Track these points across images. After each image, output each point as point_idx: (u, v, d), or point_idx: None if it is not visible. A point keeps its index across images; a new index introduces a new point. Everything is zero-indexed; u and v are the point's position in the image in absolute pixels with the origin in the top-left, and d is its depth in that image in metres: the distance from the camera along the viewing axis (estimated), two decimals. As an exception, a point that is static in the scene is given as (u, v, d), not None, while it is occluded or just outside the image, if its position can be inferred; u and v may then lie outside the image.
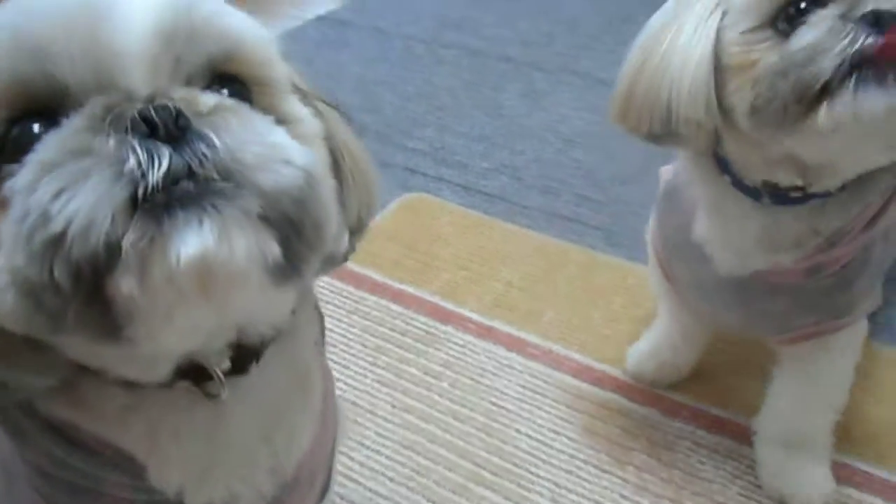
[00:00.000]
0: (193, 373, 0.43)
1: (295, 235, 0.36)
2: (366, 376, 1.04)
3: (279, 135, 0.38)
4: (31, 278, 0.32)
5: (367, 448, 0.94)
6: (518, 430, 0.96)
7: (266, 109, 0.41)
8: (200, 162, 0.33)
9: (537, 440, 0.95)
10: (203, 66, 0.39)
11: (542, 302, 1.18)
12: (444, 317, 1.14)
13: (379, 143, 1.62)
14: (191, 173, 0.33)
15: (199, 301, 0.34)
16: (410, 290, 1.19)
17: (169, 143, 0.34)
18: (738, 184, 0.73)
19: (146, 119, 0.34)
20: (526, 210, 1.42)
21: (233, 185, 0.34)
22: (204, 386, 0.44)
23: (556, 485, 0.90)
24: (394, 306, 1.16)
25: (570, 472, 0.91)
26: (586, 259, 1.27)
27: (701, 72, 0.66)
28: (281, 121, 0.41)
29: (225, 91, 0.40)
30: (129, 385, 0.42)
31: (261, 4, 2.27)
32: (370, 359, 1.06)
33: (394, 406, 1.00)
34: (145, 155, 0.33)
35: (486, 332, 1.11)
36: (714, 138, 0.70)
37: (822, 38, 0.59)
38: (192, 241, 0.32)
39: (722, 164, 0.74)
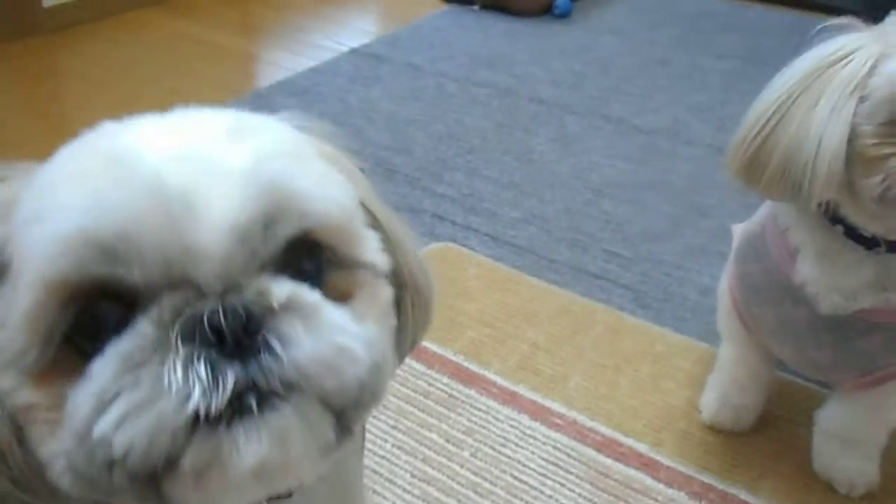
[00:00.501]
0: None
1: (353, 411, 0.38)
2: (386, 440, 1.02)
3: (347, 332, 0.37)
4: (90, 476, 0.34)
5: (385, 519, 0.92)
6: (540, 510, 0.94)
7: (338, 263, 0.41)
8: (265, 377, 0.34)
9: (559, 521, 0.93)
10: (279, 250, 0.38)
11: (567, 366, 1.16)
12: (468, 379, 1.12)
13: (408, 186, 1.62)
14: (255, 385, 0.34)
15: (252, 491, 0.36)
16: (434, 347, 1.17)
17: (236, 354, 0.34)
18: (852, 234, 0.78)
19: (215, 329, 0.34)
20: (553, 264, 1.40)
21: (296, 395, 0.35)
22: None
23: (578, 571, 0.87)
24: (417, 365, 1.14)
25: (592, 558, 0.89)
26: (613, 321, 1.25)
27: (837, 160, 0.71)
28: (350, 277, 0.41)
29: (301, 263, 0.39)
30: None
31: (295, 36, 2.29)
32: (391, 422, 1.05)
33: (413, 475, 0.98)
34: (211, 380, 0.33)
35: (509, 398, 1.09)
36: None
37: None
38: (252, 451, 0.33)
39: (834, 217, 0.79)
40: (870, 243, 0.78)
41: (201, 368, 0.33)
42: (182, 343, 0.34)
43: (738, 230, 1.01)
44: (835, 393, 0.98)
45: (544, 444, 1.03)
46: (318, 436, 0.36)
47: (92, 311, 0.36)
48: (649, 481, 0.98)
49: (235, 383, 0.33)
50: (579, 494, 0.96)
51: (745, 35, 2.47)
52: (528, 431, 1.05)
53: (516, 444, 1.03)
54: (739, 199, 1.28)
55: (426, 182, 1.64)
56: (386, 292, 0.44)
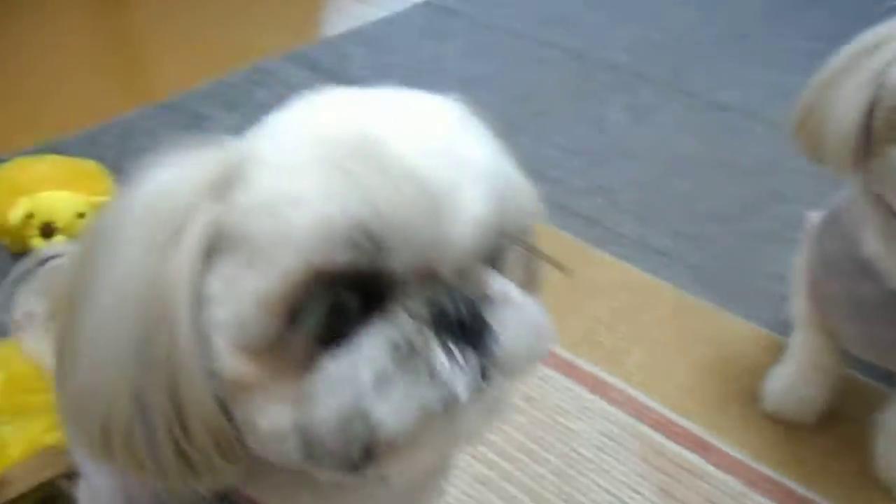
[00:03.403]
0: None
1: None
2: (444, 399, 1.03)
3: (539, 319, 0.43)
4: (323, 450, 0.37)
5: (440, 475, 0.94)
6: (595, 482, 0.95)
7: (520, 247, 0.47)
8: (491, 359, 0.38)
9: (614, 496, 0.93)
10: (498, 246, 0.42)
11: (627, 342, 1.15)
12: (527, 345, 1.13)
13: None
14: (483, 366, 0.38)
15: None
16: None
17: (470, 339, 0.38)
18: None
19: (458, 319, 0.38)
20: (619, 238, 1.38)
21: (504, 372, 0.40)
22: None
23: (628, 546, 0.88)
24: (477, 327, 1.15)
25: (643, 535, 0.89)
26: (677, 300, 1.23)
27: (848, 139, 0.78)
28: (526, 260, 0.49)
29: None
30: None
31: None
32: (450, 381, 1.06)
33: (470, 435, 0.99)
34: (460, 371, 0.37)
35: (569, 369, 1.09)
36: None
37: None
38: (474, 423, 0.39)
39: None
40: None
41: (460, 358, 0.37)
42: (435, 333, 0.37)
43: (813, 218, 1.00)
44: None
45: (601, 417, 1.03)
46: (503, 409, 0.42)
47: (338, 296, 0.37)
48: (703, 464, 0.98)
49: (475, 367, 0.38)
50: (633, 470, 0.96)
51: (835, 15, 2.35)
52: (586, 404, 1.05)
53: (574, 416, 1.03)
54: (816, 185, 1.23)
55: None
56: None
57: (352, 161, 0.37)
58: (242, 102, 1.68)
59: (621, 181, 1.53)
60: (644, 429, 1.02)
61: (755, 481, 0.96)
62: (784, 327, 1.20)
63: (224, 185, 0.38)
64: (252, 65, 1.81)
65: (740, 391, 1.09)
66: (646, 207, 1.46)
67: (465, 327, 0.37)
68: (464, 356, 0.37)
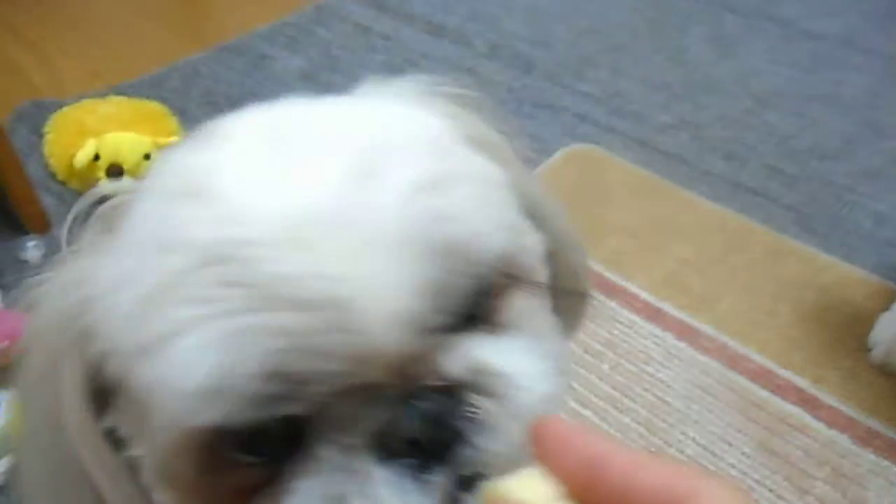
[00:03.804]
0: None
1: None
2: (521, 345, 0.98)
3: (537, 386, 0.32)
4: None
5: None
6: (685, 434, 0.88)
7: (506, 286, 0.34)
8: (469, 468, 0.29)
9: (705, 448, 0.86)
10: (456, 310, 0.31)
11: (718, 287, 1.06)
12: (609, 290, 1.06)
13: (547, 82, 1.51)
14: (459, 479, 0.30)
15: None
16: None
17: (434, 455, 0.29)
18: None
19: (411, 441, 0.29)
20: (707, 176, 1.28)
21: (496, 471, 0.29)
22: None
23: None
24: (555, 271, 1.08)
25: (740, 491, 0.82)
26: (773, 243, 1.13)
27: None
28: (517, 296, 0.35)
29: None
30: None
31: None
32: (527, 326, 1.00)
33: (549, 383, 0.94)
34: (422, 496, 0.29)
35: (654, 314, 1.02)
36: None
37: None
38: None
39: None
40: None
41: (411, 488, 0.29)
42: (381, 465, 0.29)
43: None
44: None
45: (691, 366, 0.96)
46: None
47: (249, 439, 0.29)
48: (808, 419, 0.90)
49: (443, 485, 0.29)
50: (729, 423, 0.89)
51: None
52: (674, 351, 0.97)
53: (659, 363, 0.96)
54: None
55: (567, 79, 1.52)
56: (546, 302, 0.37)
57: (212, 287, 0.27)
58: (305, 42, 1.63)
59: (708, 116, 1.42)
60: (740, 379, 0.94)
61: (865, 437, 0.88)
62: (891, 272, 1.09)
63: (84, 334, 0.32)
64: (315, 4, 1.75)
65: (846, 341, 0.99)
66: (736, 144, 1.35)
67: (424, 450, 0.29)
68: (427, 485, 0.29)
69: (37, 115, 1.35)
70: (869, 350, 0.97)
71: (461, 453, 0.29)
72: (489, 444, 0.30)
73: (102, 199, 0.86)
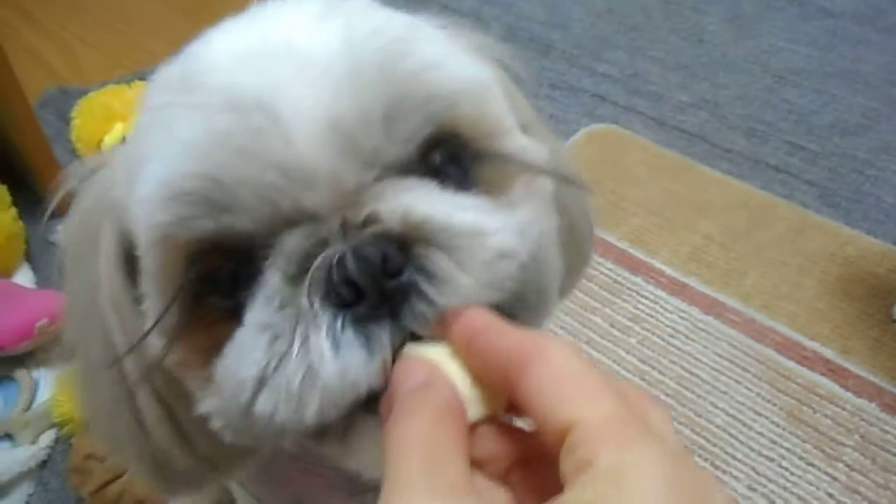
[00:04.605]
0: None
1: (522, 314, 0.32)
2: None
3: (493, 237, 0.31)
4: (246, 432, 0.32)
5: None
6: (714, 405, 0.89)
7: (483, 157, 0.34)
8: (420, 323, 0.29)
9: (735, 418, 0.87)
10: (409, 153, 0.31)
11: (743, 262, 1.07)
12: (633, 266, 1.06)
13: (566, 64, 1.51)
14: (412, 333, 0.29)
15: None
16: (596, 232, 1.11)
17: (381, 303, 0.29)
18: None
19: (350, 282, 0.28)
20: (728, 154, 1.28)
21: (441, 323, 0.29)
22: None
23: (755, 471, 0.82)
24: (579, 248, 1.09)
25: (770, 460, 0.83)
26: (797, 218, 1.14)
27: None
28: (503, 170, 0.34)
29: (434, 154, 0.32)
30: None
31: None
32: (553, 302, 1.01)
33: (578, 357, 0.95)
34: (365, 346, 0.28)
35: (679, 289, 1.03)
36: None
37: None
38: None
39: None
40: None
41: (351, 340, 0.28)
42: (321, 305, 0.29)
43: None
44: None
45: (718, 339, 0.96)
46: None
47: (216, 267, 0.31)
48: (836, 389, 0.90)
49: (392, 341, 0.29)
50: (757, 394, 0.90)
51: None
52: (700, 325, 0.98)
53: (686, 337, 0.97)
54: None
55: (585, 60, 1.52)
56: (543, 185, 0.36)
57: (169, 108, 0.31)
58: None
59: (727, 95, 1.42)
60: (768, 351, 0.95)
61: (892, 405, 0.89)
62: (916, 246, 1.09)
63: (114, 205, 0.35)
64: None
65: (871, 312, 1.00)
66: (757, 122, 1.35)
67: (365, 294, 0.28)
68: (368, 332, 0.28)
69: (62, 101, 1.36)
70: (894, 321, 0.98)
71: (407, 306, 0.29)
72: (438, 296, 0.29)
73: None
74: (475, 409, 0.26)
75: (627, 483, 0.21)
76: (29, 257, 1.08)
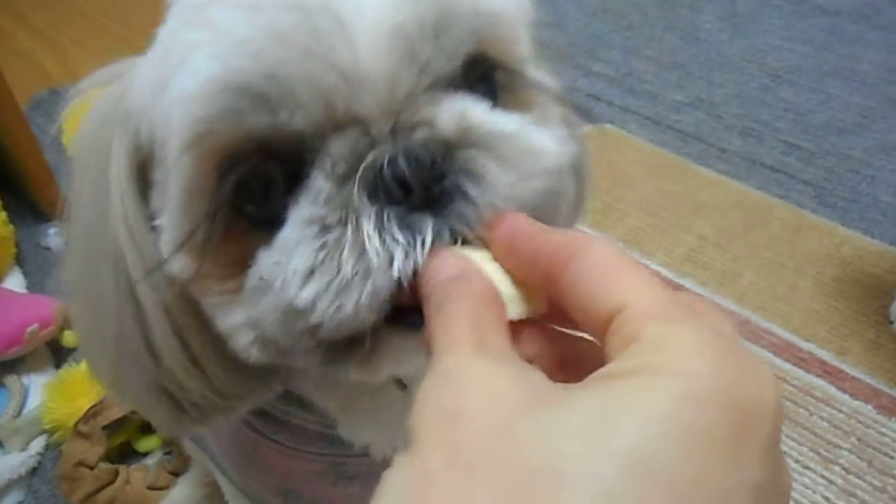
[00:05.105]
0: None
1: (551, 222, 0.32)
2: (543, 322, 0.98)
3: (534, 147, 0.32)
4: (279, 343, 0.32)
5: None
6: (710, 407, 0.88)
7: (510, 84, 0.35)
8: (462, 225, 0.29)
9: (731, 421, 0.87)
10: (454, 68, 0.32)
11: (739, 262, 1.06)
12: (629, 267, 1.06)
13: (560, 63, 1.50)
14: (452, 234, 0.29)
15: None
16: (591, 232, 1.11)
17: (426, 204, 0.29)
18: None
19: (399, 180, 0.29)
20: (724, 154, 1.27)
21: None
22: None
23: (751, 474, 0.82)
24: (574, 249, 1.08)
25: (767, 463, 0.83)
26: (793, 218, 1.13)
27: None
28: (526, 97, 0.36)
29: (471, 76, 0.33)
30: None
31: None
32: (548, 304, 1.01)
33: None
34: (410, 242, 0.29)
35: (676, 290, 1.02)
36: None
37: None
38: None
39: None
40: None
41: (397, 232, 0.29)
42: (368, 200, 0.29)
43: None
44: None
45: (713, 341, 0.96)
46: None
47: (254, 173, 0.31)
48: (832, 390, 0.90)
49: (434, 240, 0.29)
50: (753, 396, 0.89)
51: None
52: (696, 327, 0.97)
53: (682, 339, 0.96)
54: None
55: (580, 59, 1.52)
56: (560, 112, 0.38)
57: (218, 8, 0.30)
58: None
59: (722, 94, 1.41)
60: (763, 353, 0.94)
61: (889, 407, 0.88)
62: (913, 245, 1.09)
63: (125, 111, 0.35)
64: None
65: (868, 313, 0.99)
66: (752, 121, 1.34)
67: (413, 191, 0.29)
68: (413, 228, 0.29)
69: (53, 102, 1.35)
70: (891, 322, 0.97)
71: (452, 206, 0.29)
72: (482, 198, 0.29)
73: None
74: (514, 307, 0.26)
75: (671, 351, 0.21)
76: (20, 262, 1.08)
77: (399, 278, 0.28)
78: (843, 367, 0.92)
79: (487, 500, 0.18)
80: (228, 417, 0.41)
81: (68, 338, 0.94)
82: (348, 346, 0.31)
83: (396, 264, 0.28)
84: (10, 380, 0.89)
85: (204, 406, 0.38)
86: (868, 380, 0.91)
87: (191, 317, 0.35)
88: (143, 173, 0.35)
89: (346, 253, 0.29)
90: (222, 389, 0.38)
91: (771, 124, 1.34)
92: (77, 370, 0.87)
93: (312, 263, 0.29)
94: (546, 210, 0.31)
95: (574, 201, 0.42)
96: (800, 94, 1.41)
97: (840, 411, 0.88)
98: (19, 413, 0.86)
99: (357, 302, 0.29)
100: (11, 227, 1.05)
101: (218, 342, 0.35)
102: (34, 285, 1.04)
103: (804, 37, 1.58)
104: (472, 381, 0.22)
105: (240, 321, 0.33)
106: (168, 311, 0.35)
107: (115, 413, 0.81)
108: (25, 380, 0.90)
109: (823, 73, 1.47)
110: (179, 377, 0.37)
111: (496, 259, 0.28)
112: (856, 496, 0.80)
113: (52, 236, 1.11)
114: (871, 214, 1.15)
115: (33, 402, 0.87)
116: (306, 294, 0.29)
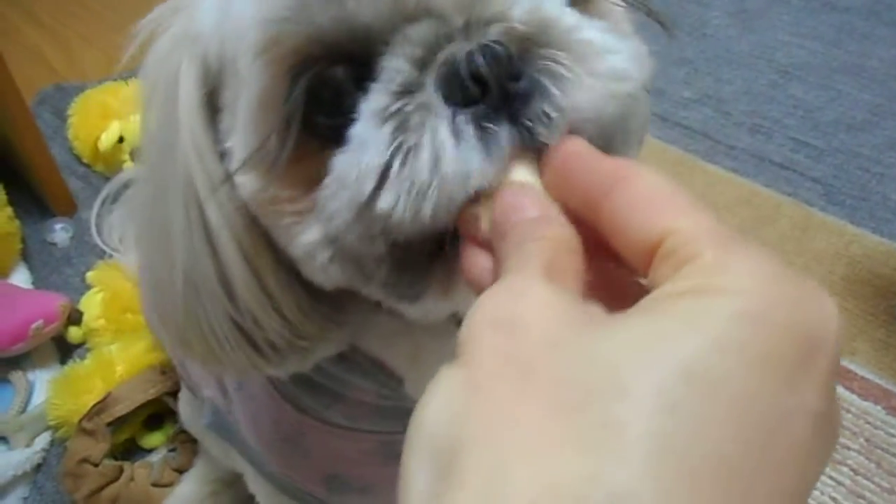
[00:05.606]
0: None
1: (616, 142, 0.31)
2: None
3: (617, 53, 0.30)
4: (356, 254, 0.32)
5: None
6: (717, 407, 0.88)
7: None
8: (542, 128, 0.28)
9: (738, 421, 0.86)
10: None
11: (747, 261, 1.05)
12: (636, 265, 1.05)
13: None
14: (531, 137, 0.28)
15: None
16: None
17: (503, 104, 0.28)
18: None
19: (477, 78, 0.28)
20: (732, 151, 1.26)
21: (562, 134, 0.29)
22: None
23: (758, 474, 0.81)
24: (581, 247, 1.07)
25: (774, 463, 0.82)
26: (801, 216, 1.12)
27: None
28: (598, 6, 0.36)
29: None
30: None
31: None
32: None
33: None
34: (487, 144, 0.28)
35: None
36: None
37: None
38: None
39: None
40: None
41: (472, 139, 0.28)
42: (444, 101, 0.28)
43: None
44: None
45: (721, 340, 0.95)
46: None
47: (324, 80, 0.31)
48: (841, 391, 0.89)
49: (512, 143, 0.28)
50: (760, 396, 0.89)
51: None
52: (703, 325, 0.97)
53: (689, 338, 0.96)
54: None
55: (587, 55, 1.51)
56: (630, 27, 0.38)
57: None
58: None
59: (731, 90, 1.40)
60: (770, 352, 0.93)
61: (899, 409, 0.87)
62: (923, 244, 1.08)
63: (193, 35, 0.35)
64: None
65: (877, 313, 0.98)
66: (761, 118, 1.33)
67: (490, 91, 0.28)
68: (490, 131, 0.28)
69: (59, 98, 1.35)
70: (901, 322, 0.96)
71: (529, 108, 0.28)
72: (562, 97, 0.28)
73: (129, 184, 0.87)
74: None
75: (727, 273, 0.20)
76: (25, 257, 1.08)
77: (473, 184, 0.28)
78: (852, 367, 0.91)
79: (540, 411, 0.18)
80: (305, 362, 0.40)
81: (73, 334, 0.94)
82: (427, 259, 0.31)
83: (471, 171, 0.28)
84: (16, 376, 0.89)
85: (280, 346, 0.38)
86: (877, 380, 0.90)
87: (262, 247, 0.35)
88: (212, 100, 0.35)
89: (426, 152, 0.28)
90: (297, 326, 0.38)
91: (780, 121, 1.32)
92: (82, 367, 0.87)
93: (390, 161, 0.29)
94: (616, 135, 0.30)
95: (642, 127, 0.42)
96: (809, 91, 1.39)
97: (848, 412, 0.87)
98: (24, 409, 0.86)
99: (433, 205, 0.28)
100: (17, 222, 1.06)
101: (291, 274, 0.35)
102: (39, 281, 1.05)
103: (814, 33, 1.56)
104: (533, 296, 0.21)
105: (316, 238, 0.33)
106: (239, 241, 0.35)
107: (119, 410, 0.81)
108: (30, 376, 0.90)
109: (833, 69, 1.46)
110: (254, 311, 0.36)
111: (544, 180, 0.27)
112: (864, 497, 0.79)
113: (58, 232, 1.11)
114: (881, 213, 1.14)
115: (38, 398, 0.87)
116: (382, 197, 0.29)
